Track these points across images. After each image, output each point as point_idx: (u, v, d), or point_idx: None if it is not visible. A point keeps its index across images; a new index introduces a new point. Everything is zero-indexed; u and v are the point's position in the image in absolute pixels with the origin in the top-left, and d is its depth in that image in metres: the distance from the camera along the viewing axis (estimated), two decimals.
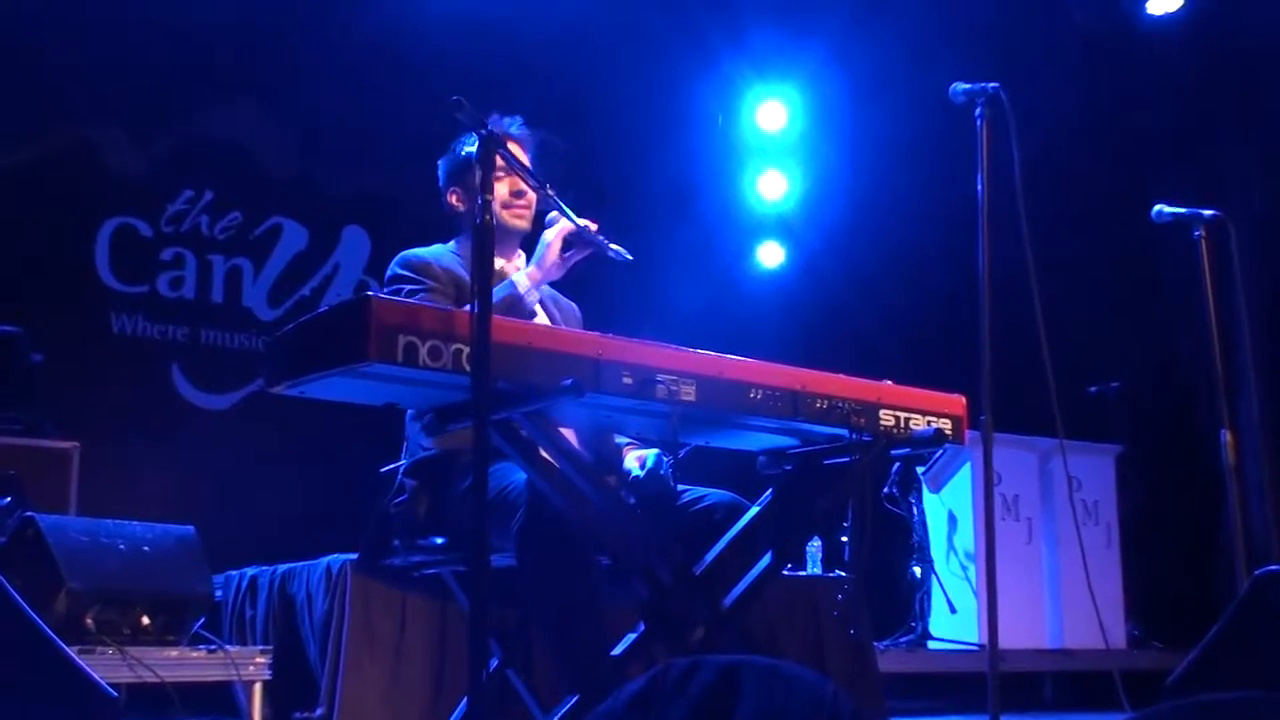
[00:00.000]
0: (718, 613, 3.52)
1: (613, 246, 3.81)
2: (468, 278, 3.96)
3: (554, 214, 3.86)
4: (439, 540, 3.73)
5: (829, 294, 8.77)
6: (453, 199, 4.16)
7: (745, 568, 3.64)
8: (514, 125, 4.14)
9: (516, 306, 3.78)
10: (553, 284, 4.25)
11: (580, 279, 4.17)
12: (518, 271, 3.91)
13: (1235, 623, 3.41)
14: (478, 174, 3.08)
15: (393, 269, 3.98)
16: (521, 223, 4.10)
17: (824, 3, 8.16)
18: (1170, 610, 7.77)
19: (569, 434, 3.76)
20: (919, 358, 7.72)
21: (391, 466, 3.93)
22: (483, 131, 3.10)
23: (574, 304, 4.34)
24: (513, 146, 4.07)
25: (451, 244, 4.16)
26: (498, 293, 3.81)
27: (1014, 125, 4.05)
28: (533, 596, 3.53)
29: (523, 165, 3.90)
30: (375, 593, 4.80)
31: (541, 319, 4.04)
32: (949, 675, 6.76)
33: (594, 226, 3.82)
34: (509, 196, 4.06)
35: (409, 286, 3.87)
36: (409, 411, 3.84)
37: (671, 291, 7.01)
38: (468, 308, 3.54)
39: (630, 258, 3.80)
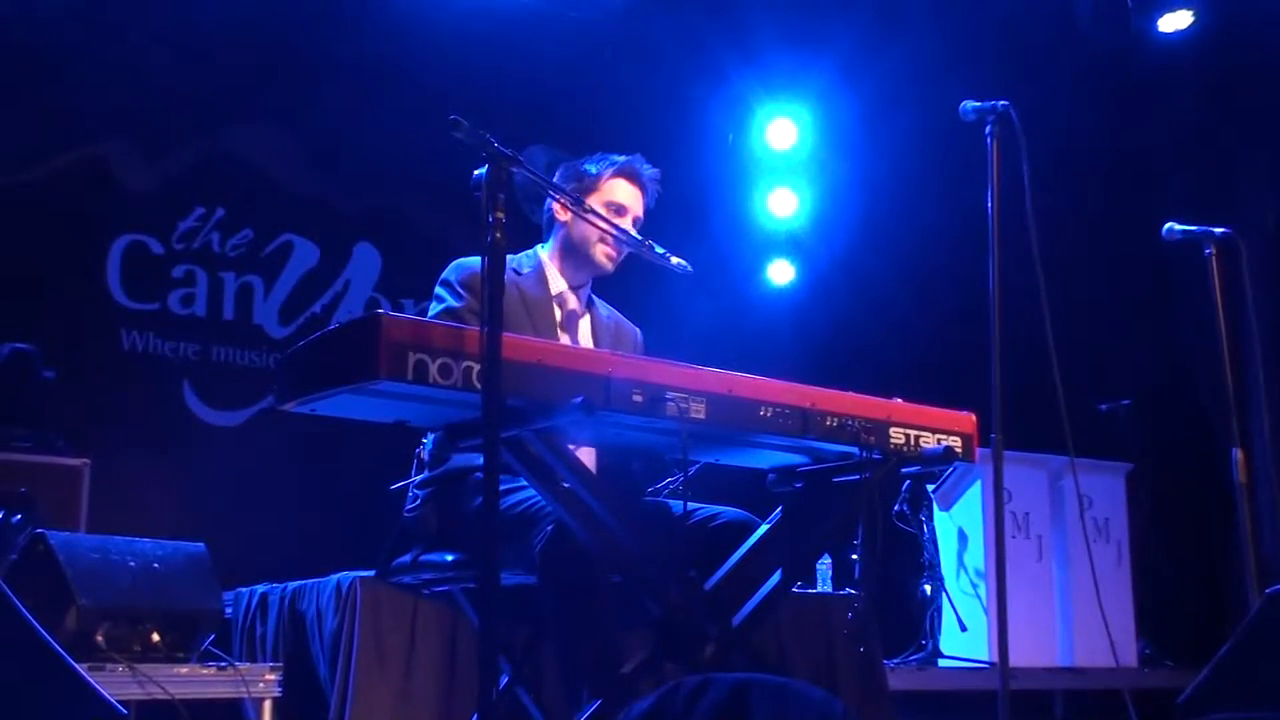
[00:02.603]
0: (728, 630, 3.52)
1: (674, 260, 3.84)
2: (522, 285, 3.97)
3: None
4: (449, 557, 3.73)
5: (839, 311, 8.76)
6: (555, 205, 4.12)
7: (755, 585, 3.64)
8: (647, 170, 4.18)
9: None
10: (615, 304, 4.27)
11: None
12: None
13: (1246, 641, 3.40)
14: (485, 194, 3.07)
15: (445, 274, 3.97)
16: (610, 264, 4.11)
17: (834, 21, 8.17)
18: (1181, 628, 7.75)
19: (588, 453, 3.77)
20: (929, 375, 7.70)
21: (401, 484, 3.93)
22: (485, 151, 3.09)
23: (637, 329, 4.33)
24: (633, 188, 4.11)
25: (533, 250, 4.16)
26: None
27: (1024, 143, 4.05)
28: (551, 611, 3.54)
29: (548, 180, 3.92)
30: (386, 610, 4.80)
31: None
32: (959, 693, 6.73)
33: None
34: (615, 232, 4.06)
35: (447, 302, 3.87)
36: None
37: (682, 309, 7.02)
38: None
39: (690, 269, 3.83)
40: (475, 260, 3.91)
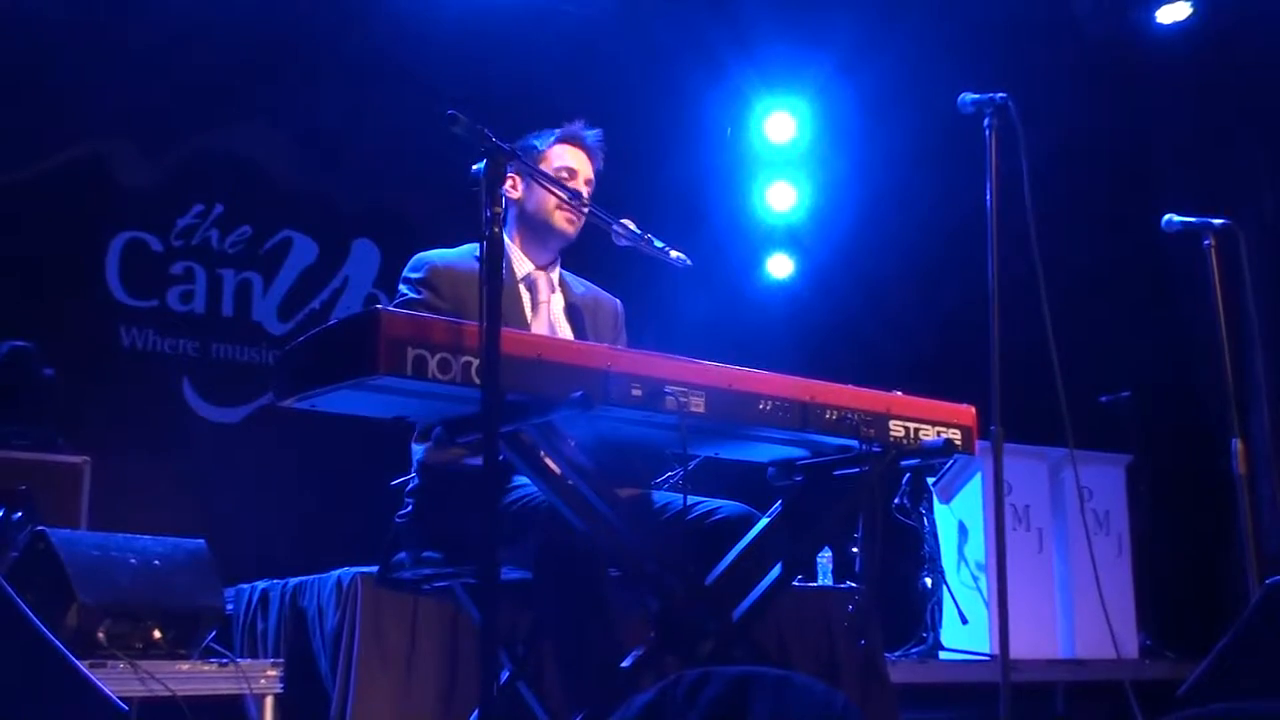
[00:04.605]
0: (728, 624, 3.52)
1: (673, 254, 3.82)
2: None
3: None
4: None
5: (838, 305, 8.76)
6: (507, 184, 3.92)
7: (755, 579, 3.64)
8: (588, 132, 4.14)
9: None
10: (594, 280, 4.24)
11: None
12: None
13: (1247, 631, 3.40)
14: (483, 188, 3.07)
15: (406, 270, 3.94)
16: (571, 229, 4.03)
17: (832, 14, 8.17)
18: (1182, 619, 7.75)
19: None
20: (929, 368, 7.71)
21: (401, 480, 3.93)
22: (484, 146, 3.09)
23: (616, 300, 4.27)
24: (577, 150, 4.09)
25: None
26: None
27: (1022, 135, 4.05)
28: (548, 608, 3.53)
29: (548, 177, 3.91)
30: (386, 606, 4.81)
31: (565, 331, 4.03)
32: (961, 686, 6.73)
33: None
34: (569, 199, 4.01)
35: (406, 296, 3.85)
36: (416, 428, 3.82)
37: (681, 303, 7.01)
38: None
39: (690, 262, 3.81)
40: (434, 254, 3.93)
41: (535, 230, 4.06)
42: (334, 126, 7.41)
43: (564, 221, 4.02)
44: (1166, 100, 8.57)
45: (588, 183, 4.09)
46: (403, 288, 3.91)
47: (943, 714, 6.72)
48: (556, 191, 3.89)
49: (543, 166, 4.00)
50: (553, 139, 4.10)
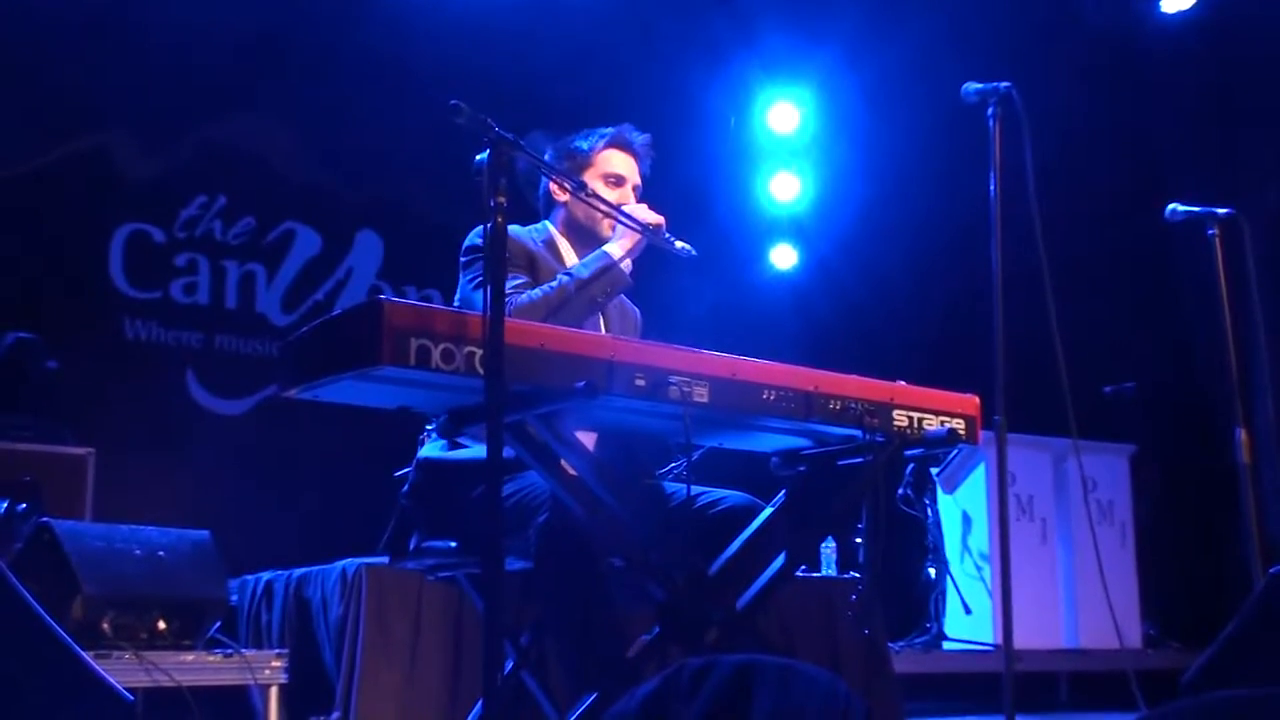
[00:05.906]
0: (732, 613, 3.52)
1: (678, 244, 3.81)
2: (541, 254, 3.95)
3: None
4: (454, 543, 3.74)
5: (842, 295, 8.77)
6: (552, 185, 4.08)
7: (759, 569, 3.64)
8: (637, 137, 4.12)
9: (615, 277, 3.78)
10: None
11: None
12: (610, 243, 3.87)
13: (1250, 620, 3.40)
14: (486, 178, 3.06)
15: (470, 238, 3.90)
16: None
17: (835, 4, 8.16)
18: (1185, 609, 7.76)
19: (588, 437, 3.76)
20: (932, 358, 7.71)
21: (405, 470, 3.93)
22: (487, 136, 3.08)
23: (637, 310, 4.28)
24: (626, 156, 4.08)
25: (540, 225, 4.11)
26: (592, 263, 3.79)
27: (1026, 125, 4.04)
28: (549, 598, 3.54)
29: (551, 165, 3.90)
30: (391, 596, 4.81)
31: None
32: (964, 676, 6.74)
33: (659, 220, 3.83)
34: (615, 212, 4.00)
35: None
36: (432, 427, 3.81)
37: (685, 293, 7.01)
38: (548, 285, 3.63)
39: (695, 253, 3.81)
40: None
41: (581, 236, 4.06)
42: (337, 118, 7.42)
43: (611, 232, 4.00)
44: (1171, 90, 8.56)
45: (635, 188, 4.09)
46: (474, 254, 3.84)
47: (946, 704, 6.73)
48: (600, 206, 3.86)
49: (589, 172, 4.00)
50: (602, 142, 4.08)
